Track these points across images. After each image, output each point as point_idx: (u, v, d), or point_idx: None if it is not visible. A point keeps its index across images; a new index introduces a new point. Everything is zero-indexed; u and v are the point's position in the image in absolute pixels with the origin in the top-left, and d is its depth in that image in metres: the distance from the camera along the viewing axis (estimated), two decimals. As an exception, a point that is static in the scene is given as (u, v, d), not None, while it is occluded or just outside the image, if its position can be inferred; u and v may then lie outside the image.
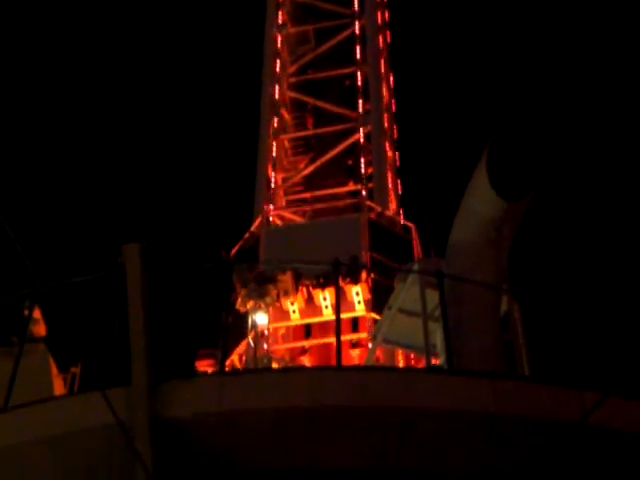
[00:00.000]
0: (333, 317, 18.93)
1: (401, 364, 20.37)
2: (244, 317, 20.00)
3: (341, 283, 19.50)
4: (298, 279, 20.77)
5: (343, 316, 19.78)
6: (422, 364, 18.20)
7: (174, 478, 12.02)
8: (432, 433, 12.32)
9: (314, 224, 24.68)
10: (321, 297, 20.84)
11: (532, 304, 15.85)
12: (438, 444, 12.37)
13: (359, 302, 20.88)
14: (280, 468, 12.38)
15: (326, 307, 20.85)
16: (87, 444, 12.26)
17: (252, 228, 24.50)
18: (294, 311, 21.00)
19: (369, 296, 21.05)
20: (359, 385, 12.50)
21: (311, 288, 20.92)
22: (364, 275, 20.82)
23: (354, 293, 20.80)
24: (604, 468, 12.53)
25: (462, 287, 15.13)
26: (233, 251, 23.59)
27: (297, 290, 20.76)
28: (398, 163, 29.50)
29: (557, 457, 12.28)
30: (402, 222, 25.18)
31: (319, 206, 26.71)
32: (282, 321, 21.32)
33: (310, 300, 21.12)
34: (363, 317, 21.13)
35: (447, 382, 12.71)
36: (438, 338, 15.36)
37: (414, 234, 24.40)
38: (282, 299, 20.57)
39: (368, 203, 25.02)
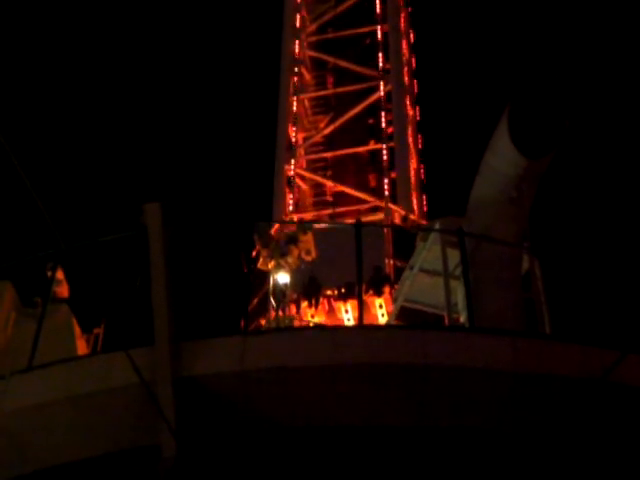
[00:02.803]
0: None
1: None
2: (266, 278, 19.95)
3: (364, 296, 19.02)
4: (317, 290, 20.32)
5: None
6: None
7: (196, 435, 12.11)
8: (453, 391, 12.34)
9: (336, 228, 24.18)
10: (343, 310, 20.45)
11: (553, 262, 15.84)
12: (459, 402, 12.39)
13: (382, 315, 20.52)
14: (302, 426, 12.45)
15: (348, 320, 20.45)
16: (111, 403, 12.35)
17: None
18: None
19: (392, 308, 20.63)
20: (381, 343, 12.54)
21: (332, 300, 20.57)
22: (387, 288, 20.41)
23: (377, 305, 20.47)
24: (625, 425, 12.54)
25: (483, 245, 15.12)
26: (253, 254, 23.08)
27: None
28: (419, 118, 29.40)
29: (577, 415, 12.28)
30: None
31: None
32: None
33: (331, 311, 20.78)
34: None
35: (468, 340, 12.71)
36: (459, 296, 15.38)
37: None
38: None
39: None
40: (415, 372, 12.29)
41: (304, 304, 21.26)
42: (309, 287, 20.81)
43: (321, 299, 20.75)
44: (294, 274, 19.74)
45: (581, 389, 12.24)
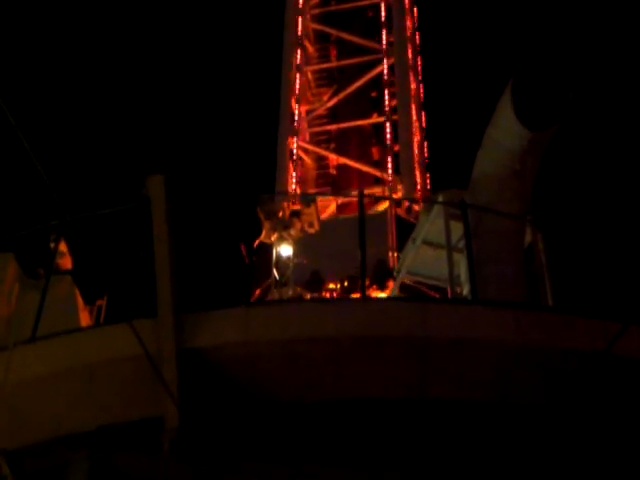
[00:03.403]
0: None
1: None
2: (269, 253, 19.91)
3: (367, 291, 18.80)
4: (321, 283, 20.17)
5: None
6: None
7: (199, 407, 12.15)
8: (454, 363, 12.37)
9: (339, 220, 23.96)
10: None
11: (556, 235, 15.84)
12: (460, 374, 12.42)
13: None
14: (304, 399, 12.49)
15: None
16: (114, 374, 12.38)
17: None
18: None
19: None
20: (383, 315, 12.57)
21: (335, 295, 20.46)
22: (391, 283, 20.27)
23: None
24: (628, 397, 12.56)
25: (486, 218, 15.12)
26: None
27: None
28: (422, 95, 29.31)
29: (579, 387, 12.31)
30: None
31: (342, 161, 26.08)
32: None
33: None
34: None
35: (470, 312, 12.73)
36: (462, 269, 15.39)
37: None
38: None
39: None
40: (417, 344, 12.31)
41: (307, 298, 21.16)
42: (312, 281, 20.76)
43: (324, 293, 20.63)
44: (296, 269, 19.66)
45: (584, 361, 12.27)
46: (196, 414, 12.13)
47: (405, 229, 22.06)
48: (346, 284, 20.30)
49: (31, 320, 13.25)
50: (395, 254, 21.83)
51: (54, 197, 10.34)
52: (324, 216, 25.23)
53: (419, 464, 12.02)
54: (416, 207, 24.64)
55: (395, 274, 19.31)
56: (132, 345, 11.95)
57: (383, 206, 25.52)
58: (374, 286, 19.94)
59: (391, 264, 22.01)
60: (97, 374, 12.42)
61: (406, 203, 24.81)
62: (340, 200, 26.40)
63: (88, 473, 11.42)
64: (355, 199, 24.05)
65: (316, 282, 20.61)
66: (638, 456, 12.35)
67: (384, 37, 28.95)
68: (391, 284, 19.94)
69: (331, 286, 20.79)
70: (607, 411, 12.48)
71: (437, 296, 18.23)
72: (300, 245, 20.70)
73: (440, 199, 16.72)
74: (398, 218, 23.87)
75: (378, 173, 26.93)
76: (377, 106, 28.33)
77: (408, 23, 30.02)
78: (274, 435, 12.20)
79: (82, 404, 12.59)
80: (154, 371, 11.92)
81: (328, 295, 20.52)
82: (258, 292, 21.76)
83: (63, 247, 16.14)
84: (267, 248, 20.26)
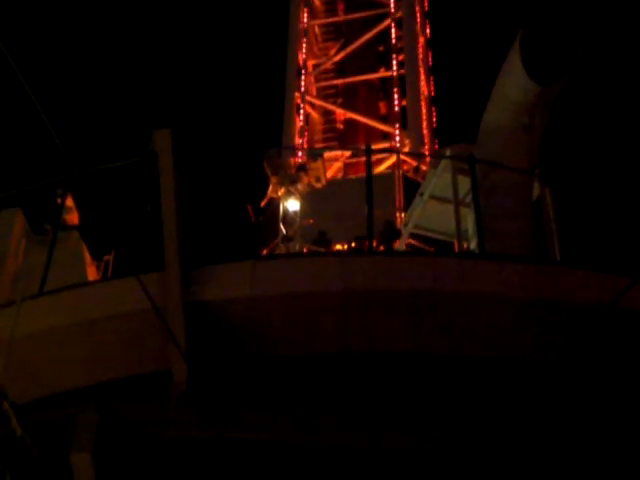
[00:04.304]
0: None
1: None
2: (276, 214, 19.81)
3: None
4: (328, 244, 20.07)
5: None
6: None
7: (207, 361, 12.19)
8: (462, 317, 12.37)
9: (345, 181, 23.70)
10: None
11: (564, 189, 15.79)
12: (467, 329, 12.42)
13: None
14: (311, 353, 12.51)
15: None
16: (122, 328, 12.42)
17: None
18: None
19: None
20: (390, 269, 12.56)
21: None
22: (398, 244, 20.14)
23: None
24: (635, 351, 12.57)
25: (494, 172, 15.07)
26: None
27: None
28: (430, 38, 29.05)
29: (587, 341, 12.31)
30: None
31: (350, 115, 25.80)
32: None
33: None
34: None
35: (477, 266, 12.71)
36: (469, 223, 15.36)
37: None
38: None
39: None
40: (424, 298, 12.31)
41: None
42: (318, 242, 20.68)
43: None
44: (303, 229, 19.53)
45: (591, 315, 12.26)
46: (204, 368, 12.16)
47: (413, 189, 21.88)
48: (353, 245, 20.20)
49: (38, 275, 13.28)
50: (403, 215, 21.67)
51: (62, 150, 10.29)
52: (331, 174, 25.12)
53: (420, 418, 12.04)
54: (424, 167, 24.49)
55: (402, 228, 19.28)
56: (139, 299, 11.95)
57: (389, 162, 25.40)
58: (381, 247, 19.83)
59: (399, 225, 21.89)
60: (105, 328, 12.46)
61: (413, 163, 24.65)
62: (347, 154, 26.29)
63: (96, 425, 11.47)
64: (362, 159, 23.92)
65: (323, 242, 20.55)
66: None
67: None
68: (398, 244, 19.92)
69: (338, 247, 20.69)
70: (613, 365, 12.48)
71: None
72: (307, 206, 20.62)
73: (448, 153, 16.66)
74: (406, 179, 23.75)
75: (385, 128, 26.82)
76: (384, 60, 28.15)
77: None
78: (281, 388, 12.24)
79: (90, 358, 12.65)
80: (161, 324, 11.95)
81: None
82: (265, 252, 21.71)
83: (70, 202, 16.14)
84: (273, 210, 20.19)
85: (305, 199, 20.40)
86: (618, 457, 12.03)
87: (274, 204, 20.92)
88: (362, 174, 21.47)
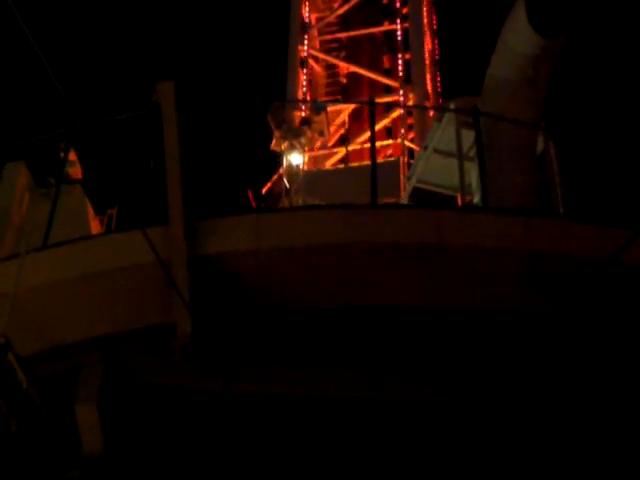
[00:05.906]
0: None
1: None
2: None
3: None
4: None
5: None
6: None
7: (211, 313, 12.24)
8: (465, 271, 12.39)
9: (350, 168, 23.40)
10: None
11: (568, 142, 15.75)
12: (471, 282, 12.45)
13: None
14: (315, 306, 12.55)
15: None
16: (126, 281, 12.45)
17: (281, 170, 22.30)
18: None
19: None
20: (394, 222, 12.56)
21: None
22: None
23: None
24: (636, 306, 12.60)
25: (498, 125, 15.03)
26: (264, 189, 22.68)
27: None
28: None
29: (588, 295, 12.34)
30: None
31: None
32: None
33: None
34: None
35: (481, 219, 12.71)
36: (473, 177, 15.36)
37: None
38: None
39: (407, 144, 23.79)
40: (428, 251, 12.32)
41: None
42: None
43: None
44: None
45: (593, 268, 12.28)
46: (208, 321, 12.21)
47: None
48: None
49: (42, 229, 13.29)
50: (408, 202, 21.55)
51: (67, 103, 10.23)
52: (333, 128, 24.98)
53: (422, 371, 12.09)
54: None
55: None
56: (144, 252, 11.97)
57: (394, 114, 25.33)
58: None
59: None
60: (109, 281, 12.49)
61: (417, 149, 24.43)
62: (352, 107, 26.18)
63: (101, 377, 11.53)
64: (366, 146, 23.82)
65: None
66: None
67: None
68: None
69: None
70: (614, 319, 12.52)
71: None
72: (307, 191, 20.55)
73: (452, 106, 16.60)
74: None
75: (389, 81, 26.68)
76: (388, 13, 27.95)
77: None
78: (286, 341, 12.30)
79: (94, 311, 12.69)
80: (166, 277, 11.98)
81: None
82: None
83: (73, 156, 16.14)
84: (276, 196, 20.10)
85: (307, 189, 20.45)
86: (618, 412, 12.09)
87: (275, 190, 20.91)
88: (366, 161, 21.79)
